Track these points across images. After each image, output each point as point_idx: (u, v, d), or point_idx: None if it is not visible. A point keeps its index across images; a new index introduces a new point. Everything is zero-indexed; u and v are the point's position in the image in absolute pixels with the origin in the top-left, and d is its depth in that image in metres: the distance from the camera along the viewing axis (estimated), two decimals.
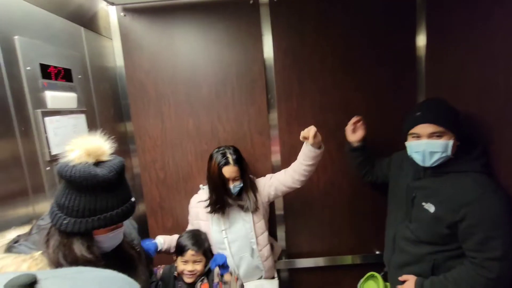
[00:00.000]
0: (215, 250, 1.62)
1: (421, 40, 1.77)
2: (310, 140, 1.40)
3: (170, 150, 1.87)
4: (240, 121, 1.85)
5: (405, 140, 1.34)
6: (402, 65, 1.79)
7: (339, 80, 1.80)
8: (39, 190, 1.12)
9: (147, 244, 1.53)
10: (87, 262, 0.82)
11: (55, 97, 1.21)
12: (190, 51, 1.79)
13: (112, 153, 0.88)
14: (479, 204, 1.13)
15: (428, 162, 1.25)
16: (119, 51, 1.79)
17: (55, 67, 1.24)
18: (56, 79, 1.24)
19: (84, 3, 1.52)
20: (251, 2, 1.73)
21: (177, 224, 1.92)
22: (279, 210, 1.95)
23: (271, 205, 1.85)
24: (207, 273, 1.51)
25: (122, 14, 1.75)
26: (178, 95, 1.82)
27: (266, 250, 1.65)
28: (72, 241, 0.82)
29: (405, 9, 1.75)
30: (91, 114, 1.49)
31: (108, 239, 0.90)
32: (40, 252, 0.81)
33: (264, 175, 1.73)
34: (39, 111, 1.12)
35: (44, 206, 1.12)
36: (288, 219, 1.96)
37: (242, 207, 1.59)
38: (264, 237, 1.64)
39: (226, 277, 1.50)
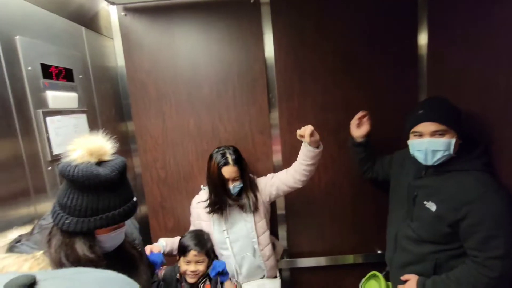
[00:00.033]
0: (217, 250, 1.63)
1: (423, 39, 1.76)
2: (307, 138, 1.40)
3: (171, 149, 1.87)
4: (241, 120, 1.84)
5: (407, 138, 1.34)
6: (403, 64, 1.78)
7: (340, 79, 1.80)
8: (41, 190, 1.12)
9: (153, 256, 1.51)
10: (89, 262, 0.82)
11: (56, 97, 1.21)
12: (191, 50, 1.79)
13: (114, 153, 0.88)
14: (481, 202, 1.13)
15: (431, 161, 1.25)
16: (120, 50, 1.79)
17: (56, 67, 1.24)
18: (57, 79, 1.24)
19: (85, 3, 1.52)
20: (252, 1, 1.73)
21: (179, 223, 1.92)
22: (281, 210, 1.95)
23: (273, 204, 1.85)
24: (210, 278, 1.51)
25: (123, 13, 1.75)
26: (179, 94, 1.82)
27: (268, 249, 1.65)
28: (74, 241, 0.82)
29: (406, 7, 1.75)
30: (92, 114, 1.49)
31: (110, 239, 0.90)
32: (41, 252, 0.81)
33: (265, 175, 1.73)
34: (40, 111, 1.12)
35: (45, 206, 1.12)
36: (289, 219, 1.96)
37: (242, 208, 1.58)
38: (265, 236, 1.64)
39: (227, 285, 1.49)
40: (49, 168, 1.15)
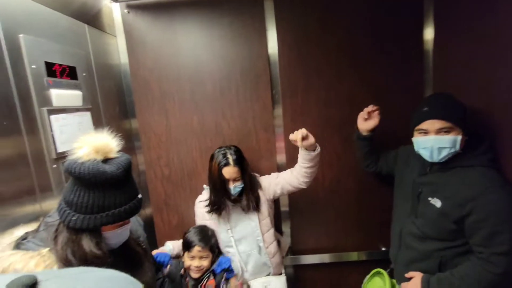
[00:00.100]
0: (223, 249, 1.63)
1: (429, 34, 1.74)
2: (299, 143, 1.38)
3: (174, 147, 1.87)
4: (244, 117, 1.84)
5: (412, 136, 1.32)
6: (409, 59, 1.76)
7: (344, 75, 1.78)
8: (46, 188, 1.13)
9: (160, 256, 1.51)
10: (96, 258, 0.83)
11: (60, 95, 1.21)
12: (194, 47, 1.78)
13: (119, 150, 0.89)
14: (486, 198, 1.12)
15: (437, 158, 1.24)
16: (123, 48, 1.79)
17: (60, 65, 1.24)
18: (61, 77, 1.24)
19: (88, 1, 1.52)
20: None
21: (183, 221, 1.93)
22: (284, 207, 1.95)
23: (276, 201, 1.85)
24: (212, 271, 1.51)
25: (125, 11, 1.74)
26: (182, 91, 1.81)
27: (273, 247, 1.65)
28: (81, 238, 0.83)
29: (412, 1, 1.72)
30: (96, 112, 1.49)
31: (116, 236, 0.91)
32: (47, 249, 0.82)
33: (269, 172, 1.73)
34: (44, 109, 1.13)
35: (51, 204, 1.13)
36: (293, 216, 1.96)
37: (243, 208, 1.59)
38: (270, 234, 1.64)
39: (232, 282, 1.50)
40: (54, 166, 1.16)
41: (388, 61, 1.76)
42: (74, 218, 0.81)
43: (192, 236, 1.51)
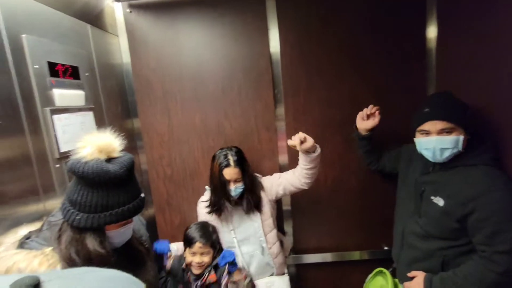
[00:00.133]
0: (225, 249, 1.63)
1: (432, 32, 1.73)
2: (298, 148, 1.38)
3: (177, 146, 1.87)
4: (247, 116, 1.84)
5: (414, 136, 1.32)
6: (411, 57, 1.75)
7: (346, 74, 1.78)
8: (49, 187, 1.13)
9: (160, 245, 1.52)
10: (100, 257, 0.84)
11: (63, 95, 1.22)
12: (196, 46, 1.78)
13: (122, 150, 0.89)
14: (489, 197, 1.11)
15: (440, 159, 1.24)
16: (126, 48, 1.79)
17: (62, 65, 1.24)
18: (63, 77, 1.25)
19: (90, 0, 1.52)
20: None
21: (185, 220, 1.93)
22: (286, 206, 1.95)
23: (278, 200, 1.84)
24: (215, 265, 1.51)
25: (128, 10, 1.75)
26: (184, 91, 1.82)
27: (276, 247, 1.65)
28: (85, 237, 0.83)
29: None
30: (98, 111, 1.50)
31: (119, 235, 0.92)
32: (50, 248, 0.83)
33: (272, 172, 1.73)
34: (47, 109, 1.13)
35: (54, 203, 1.13)
36: (295, 215, 1.96)
37: (243, 209, 1.59)
38: (273, 234, 1.64)
39: (236, 276, 1.50)
40: (57, 165, 1.17)
41: (390, 60, 1.75)
42: (78, 217, 0.82)
43: (193, 232, 1.52)
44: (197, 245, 1.47)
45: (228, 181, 1.53)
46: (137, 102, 1.84)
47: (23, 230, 0.92)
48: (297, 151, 1.53)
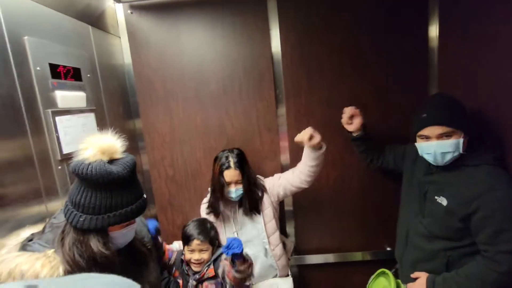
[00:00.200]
0: None
1: (433, 31, 1.72)
2: (306, 143, 1.38)
3: (178, 147, 1.88)
4: (248, 117, 1.84)
5: (414, 140, 1.32)
6: (412, 57, 1.75)
7: (347, 74, 1.77)
8: (52, 189, 1.13)
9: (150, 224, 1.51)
10: (105, 258, 0.84)
11: (65, 97, 1.22)
12: (197, 47, 1.78)
13: (124, 151, 0.89)
14: (492, 196, 1.11)
15: (441, 163, 1.24)
16: (127, 48, 1.79)
17: (64, 66, 1.24)
18: (65, 79, 1.25)
19: (91, 2, 1.52)
20: None
21: (187, 220, 1.91)
22: (288, 206, 1.95)
23: (281, 201, 1.84)
24: (214, 261, 1.51)
25: (129, 11, 1.75)
26: (185, 91, 1.82)
27: (279, 249, 1.65)
28: (88, 238, 0.83)
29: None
30: (100, 113, 1.50)
31: (122, 235, 0.92)
32: (53, 250, 0.83)
33: (273, 172, 1.72)
34: (49, 110, 1.13)
35: (56, 205, 1.14)
36: (297, 215, 1.96)
37: (243, 211, 1.60)
38: (276, 236, 1.64)
39: (240, 266, 1.35)
40: (59, 167, 1.17)
41: (391, 60, 1.75)
42: (81, 219, 0.82)
43: (191, 229, 1.51)
44: (195, 242, 1.47)
45: (229, 183, 1.54)
46: (139, 102, 1.84)
47: (26, 232, 0.93)
48: (300, 151, 1.53)
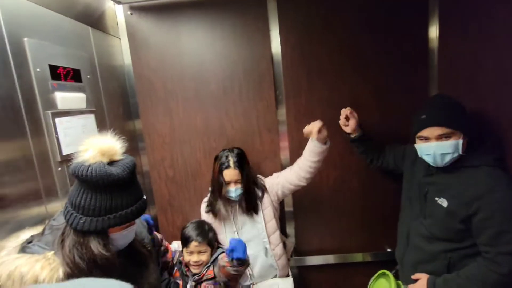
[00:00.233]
0: None
1: (433, 32, 1.72)
2: (314, 135, 1.39)
3: (178, 147, 1.88)
4: (248, 117, 1.84)
5: (414, 141, 1.32)
6: (412, 57, 1.75)
7: (347, 75, 1.77)
8: (51, 190, 1.13)
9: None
10: (105, 260, 0.84)
11: (64, 98, 1.22)
12: (197, 47, 1.78)
13: (123, 152, 0.89)
14: (492, 197, 1.11)
15: (441, 164, 1.24)
16: (127, 49, 1.79)
17: (64, 68, 1.24)
18: (65, 80, 1.25)
19: (91, 3, 1.52)
20: None
21: (187, 221, 1.91)
22: (289, 207, 1.94)
23: (281, 202, 1.84)
24: (213, 262, 1.51)
25: (129, 12, 1.75)
26: (186, 92, 1.82)
27: (279, 248, 1.65)
28: (89, 240, 0.83)
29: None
30: (100, 114, 1.50)
31: (122, 237, 0.92)
32: (52, 252, 0.83)
33: (273, 172, 1.72)
34: (49, 112, 1.13)
35: (56, 206, 1.13)
36: (297, 216, 1.96)
37: (245, 211, 1.60)
38: (276, 236, 1.64)
39: (239, 266, 1.34)
40: (59, 168, 1.17)
41: (391, 60, 1.75)
42: (81, 221, 0.82)
43: (189, 231, 1.51)
44: (193, 244, 1.47)
45: (228, 182, 1.54)
46: (139, 103, 1.84)
47: (25, 234, 0.93)
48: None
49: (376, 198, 1.89)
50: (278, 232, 1.66)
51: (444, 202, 1.24)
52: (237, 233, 1.62)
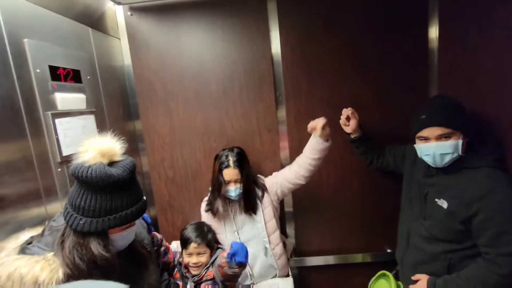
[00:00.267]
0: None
1: (433, 32, 1.72)
2: (318, 131, 1.40)
3: (178, 148, 1.88)
4: (248, 118, 1.84)
5: (414, 142, 1.32)
6: (412, 58, 1.74)
7: (347, 75, 1.77)
8: (51, 191, 1.13)
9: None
10: (106, 261, 0.84)
11: (64, 99, 1.22)
12: (197, 48, 1.78)
13: (123, 153, 0.89)
14: (492, 198, 1.11)
15: (440, 164, 1.23)
16: (127, 50, 1.80)
17: (64, 68, 1.24)
18: (65, 81, 1.25)
19: (91, 4, 1.53)
20: None
21: (187, 222, 1.91)
22: (288, 207, 1.94)
23: (281, 202, 1.84)
24: (212, 263, 1.51)
25: (129, 13, 1.75)
26: (186, 92, 1.82)
27: (279, 248, 1.65)
28: (89, 241, 0.83)
29: (416, 0, 1.70)
30: (100, 114, 1.50)
31: (122, 238, 0.92)
32: (52, 253, 0.82)
33: (273, 173, 1.72)
34: (49, 113, 1.13)
35: (56, 207, 1.13)
36: (297, 217, 1.96)
37: (246, 210, 1.60)
38: (276, 235, 1.64)
39: (236, 268, 1.36)
40: (59, 169, 1.17)
41: (391, 61, 1.75)
42: (81, 222, 0.82)
43: (188, 233, 1.51)
44: (192, 246, 1.47)
45: (228, 182, 1.55)
46: (139, 104, 1.84)
47: (25, 235, 0.92)
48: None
49: (376, 198, 1.89)
50: (278, 232, 1.66)
51: (444, 203, 1.24)
52: (237, 232, 1.62)
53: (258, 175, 1.70)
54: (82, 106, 1.34)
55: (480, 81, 1.40)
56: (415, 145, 1.31)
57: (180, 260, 1.52)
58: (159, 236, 1.43)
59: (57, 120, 1.16)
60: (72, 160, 0.84)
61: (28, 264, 0.77)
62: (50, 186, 1.13)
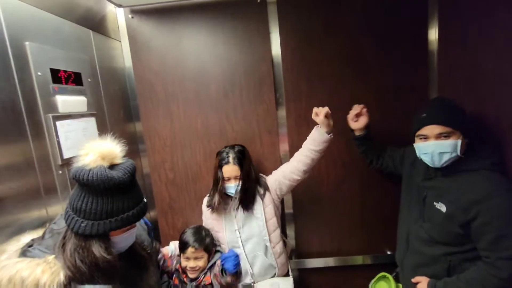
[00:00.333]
0: (229, 249, 1.64)
1: (433, 34, 1.72)
2: (321, 116, 1.41)
3: (179, 150, 1.88)
4: (248, 120, 1.84)
5: (413, 141, 1.32)
6: (412, 61, 1.75)
7: (347, 78, 1.78)
8: (52, 194, 1.14)
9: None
10: (107, 263, 0.85)
11: (66, 102, 1.22)
12: (198, 50, 1.79)
13: (123, 156, 0.90)
14: (491, 202, 1.11)
15: (438, 163, 1.23)
16: (128, 52, 1.80)
17: (65, 71, 1.25)
18: (66, 83, 1.26)
19: (92, 7, 1.53)
20: (258, 0, 1.71)
21: (187, 224, 1.93)
22: (289, 209, 1.95)
23: (281, 203, 1.84)
24: (210, 268, 1.52)
25: (130, 16, 1.76)
26: (186, 94, 1.82)
27: (279, 247, 1.65)
28: (90, 244, 0.84)
29: (416, 2, 1.70)
30: (101, 117, 1.50)
31: (123, 240, 0.92)
32: (53, 256, 0.83)
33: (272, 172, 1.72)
34: (50, 115, 1.14)
35: (57, 210, 1.14)
36: (297, 218, 1.96)
37: (246, 208, 1.60)
38: (276, 234, 1.64)
39: (228, 278, 1.49)
40: (60, 172, 1.17)
41: (391, 62, 1.75)
42: (83, 224, 0.82)
43: (186, 237, 1.53)
44: (190, 250, 1.48)
45: (228, 178, 1.56)
46: (140, 106, 1.85)
47: (26, 238, 0.93)
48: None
49: (376, 198, 1.89)
50: (278, 230, 1.66)
51: (442, 207, 1.24)
52: (238, 231, 1.62)
53: (261, 174, 1.70)
54: (83, 108, 1.35)
55: (480, 82, 1.40)
56: (414, 144, 1.31)
57: (177, 266, 1.52)
58: (157, 245, 1.45)
59: (58, 123, 1.17)
60: (73, 162, 0.85)
61: (29, 267, 0.78)
62: (51, 188, 1.13)
